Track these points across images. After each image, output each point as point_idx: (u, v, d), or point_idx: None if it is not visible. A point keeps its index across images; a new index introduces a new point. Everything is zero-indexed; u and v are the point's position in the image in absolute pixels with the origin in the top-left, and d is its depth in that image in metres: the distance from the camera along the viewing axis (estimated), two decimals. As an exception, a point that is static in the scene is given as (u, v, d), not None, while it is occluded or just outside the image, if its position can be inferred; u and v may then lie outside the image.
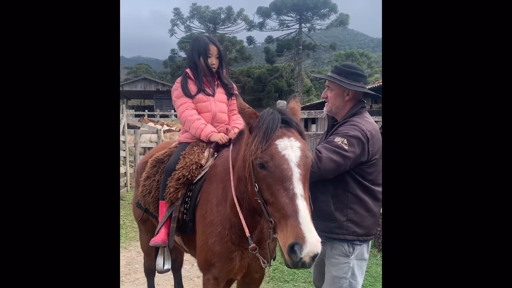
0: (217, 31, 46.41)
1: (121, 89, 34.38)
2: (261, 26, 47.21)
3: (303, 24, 45.26)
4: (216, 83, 2.60)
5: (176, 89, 2.54)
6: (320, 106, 17.26)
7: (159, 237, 2.27)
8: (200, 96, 2.51)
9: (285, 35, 46.83)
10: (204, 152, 2.40)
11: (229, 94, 2.61)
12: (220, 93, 2.59)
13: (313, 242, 1.38)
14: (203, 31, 46.62)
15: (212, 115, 2.53)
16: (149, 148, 11.81)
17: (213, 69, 2.53)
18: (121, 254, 5.24)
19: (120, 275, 4.45)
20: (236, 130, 2.40)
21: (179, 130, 8.05)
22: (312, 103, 24.84)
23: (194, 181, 2.28)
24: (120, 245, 5.65)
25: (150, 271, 3.21)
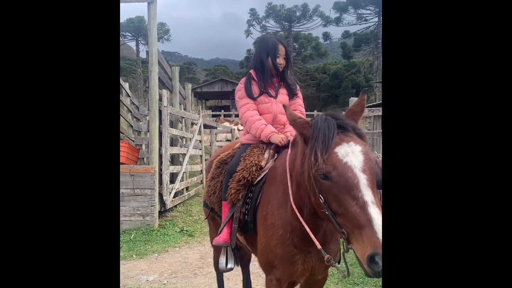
0: (293, 28, 46.29)
1: (199, 90, 36.18)
2: (337, 21, 45.90)
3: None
4: (280, 83, 2.59)
5: (239, 90, 2.57)
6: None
7: (221, 237, 2.32)
8: (262, 97, 2.51)
9: (363, 29, 44.98)
10: (264, 154, 2.38)
11: (292, 95, 2.59)
12: (282, 94, 2.57)
13: None
14: (279, 29, 46.89)
15: (273, 116, 2.52)
16: (225, 146, 12.20)
17: (280, 69, 2.53)
18: (195, 248, 5.49)
19: (194, 269, 4.66)
20: (290, 136, 2.33)
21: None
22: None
23: (255, 183, 2.28)
24: (195, 240, 5.93)
25: (242, 264, 3.33)
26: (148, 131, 6.74)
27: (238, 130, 12.87)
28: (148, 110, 6.60)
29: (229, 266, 2.46)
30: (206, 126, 11.26)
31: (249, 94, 2.50)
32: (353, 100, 6.23)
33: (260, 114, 2.50)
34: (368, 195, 1.41)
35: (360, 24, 45.09)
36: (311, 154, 1.55)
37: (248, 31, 48.07)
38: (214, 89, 37.20)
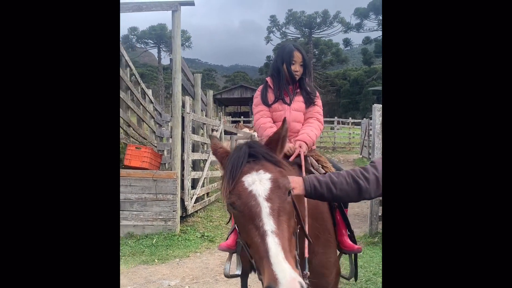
0: (313, 35, 46.23)
1: (219, 96, 36.48)
2: (358, 27, 45.62)
3: (404, 22, 42.23)
4: (296, 91, 2.55)
5: (256, 97, 2.60)
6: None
7: (226, 243, 2.36)
8: (277, 105, 2.51)
9: (384, 35, 44.32)
10: None
11: (309, 103, 2.54)
12: (298, 101, 2.54)
13: (285, 283, 1.21)
14: (299, 36, 46.93)
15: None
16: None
17: (296, 77, 2.50)
18: (216, 254, 5.52)
19: (215, 274, 4.68)
20: (298, 148, 2.32)
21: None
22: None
23: None
24: (216, 245, 5.95)
25: (242, 272, 3.31)
26: (171, 137, 6.85)
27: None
28: (171, 116, 6.71)
29: (236, 272, 2.44)
30: (226, 132, 11.34)
31: (264, 101, 2.53)
32: (376, 107, 6.16)
33: (274, 122, 2.51)
34: (269, 224, 1.34)
35: (381, 30, 44.60)
36: (222, 183, 1.52)
37: (268, 37, 48.32)
38: (233, 95, 37.45)
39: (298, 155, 2.29)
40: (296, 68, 2.48)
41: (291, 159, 2.26)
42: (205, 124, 9.16)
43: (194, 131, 7.73)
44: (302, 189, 1.72)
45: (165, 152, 8.68)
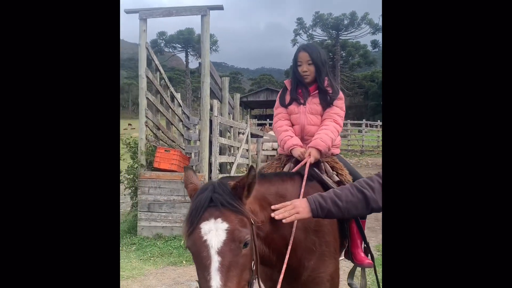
0: (340, 37, 45.69)
1: (245, 99, 36.67)
2: (386, 28, 44.55)
3: (435, 22, 41.02)
4: (314, 92, 2.45)
5: (276, 100, 2.60)
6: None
7: None
8: (293, 107, 2.46)
9: (414, 36, 43.21)
10: (283, 167, 2.32)
11: (326, 104, 2.41)
12: (314, 103, 2.43)
13: None
14: (326, 38, 46.52)
15: (301, 128, 2.45)
16: (271, 156, 12.25)
17: (305, 77, 2.41)
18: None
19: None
20: (307, 155, 2.21)
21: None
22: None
23: None
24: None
25: None
26: (199, 140, 6.93)
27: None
28: (199, 119, 6.79)
29: None
30: (252, 135, 11.37)
31: (281, 102, 2.51)
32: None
33: (292, 125, 2.47)
34: (215, 280, 1.32)
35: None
36: (183, 224, 1.50)
37: (295, 40, 48.09)
38: (259, 98, 37.54)
39: (317, 163, 2.19)
40: (304, 69, 2.40)
41: (295, 168, 2.16)
42: (232, 127, 9.21)
43: (221, 134, 7.79)
44: (308, 211, 1.67)
45: (193, 155, 8.79)
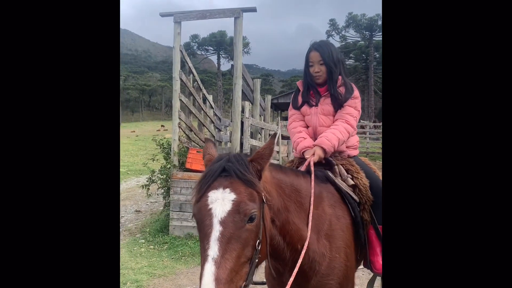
0: (374, 38, 44.72)
1: (276, 101, 36.59)
2: (423, 28, 43.17)
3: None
4: (326, 93, 2.36)
5: (290, 103, 2.55)
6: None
7: None
8: (305, 109, 2.40)
9: (452, 36, 41.61)
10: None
11: (338, 104, 2.31)
12: (326, 104, 2.34)
13: None
14: (359, 39, 45.72)
15: (313, 129, 2.37)
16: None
17: (317, 78, 2.33)
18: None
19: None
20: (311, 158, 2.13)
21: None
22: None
23: None
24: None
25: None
26: (230, 142, 6.97)
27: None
28: (231, 121, 6.83)
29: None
30: (283, 137, 11.31)
31: (294, 104, 2.46)
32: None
33: (307, 127, 2.42)
34: (213, 250, 1.28)
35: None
36: (193, 191, 1.48)
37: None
38: (290, 100, 37.31)
39: (324, 163, 2.13)
40: (316, 69, 2.31)
41: (302, 168, 2.09)
42: (263, 129, 9.21)
43: (252, 135, 7.80)
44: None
45: (224, 156, 8.84)
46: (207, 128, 9.37)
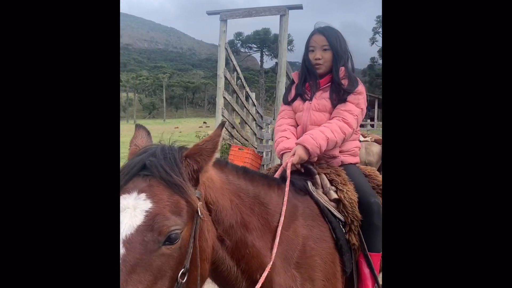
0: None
1: (319, 99, 36.12)
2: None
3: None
4: (326, 85, 1.95)
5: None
6: None
7: None
8: (298, 103, 1.99)
9: None
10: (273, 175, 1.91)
11: (337, 99, 1.89)
12: (322, 98, 1.92)
13: None
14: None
15: (303, 128, 1.94)
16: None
17: (318, 67, 1.93)
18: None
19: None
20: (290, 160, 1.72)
21: (375, 140, 7.73)
22: None
23: None
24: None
25: None
26: (271, 139, 6.95)
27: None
28: (273, 119, 6.81)
29: None
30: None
31: (284, 99, 2.09)
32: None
33: (298, 125, 2.01)
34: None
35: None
36: None
37: (373, 38, 46.25)
38: (333, 98, 36.73)
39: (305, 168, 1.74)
40: (317, 55, 1.91)
41: (277, 173, 1.73)
42: (305, 127, 9.10)
43: (294, 134, 7.73)
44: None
45: (264, 154, 8.86)
46: (249, 126, 9.42)
